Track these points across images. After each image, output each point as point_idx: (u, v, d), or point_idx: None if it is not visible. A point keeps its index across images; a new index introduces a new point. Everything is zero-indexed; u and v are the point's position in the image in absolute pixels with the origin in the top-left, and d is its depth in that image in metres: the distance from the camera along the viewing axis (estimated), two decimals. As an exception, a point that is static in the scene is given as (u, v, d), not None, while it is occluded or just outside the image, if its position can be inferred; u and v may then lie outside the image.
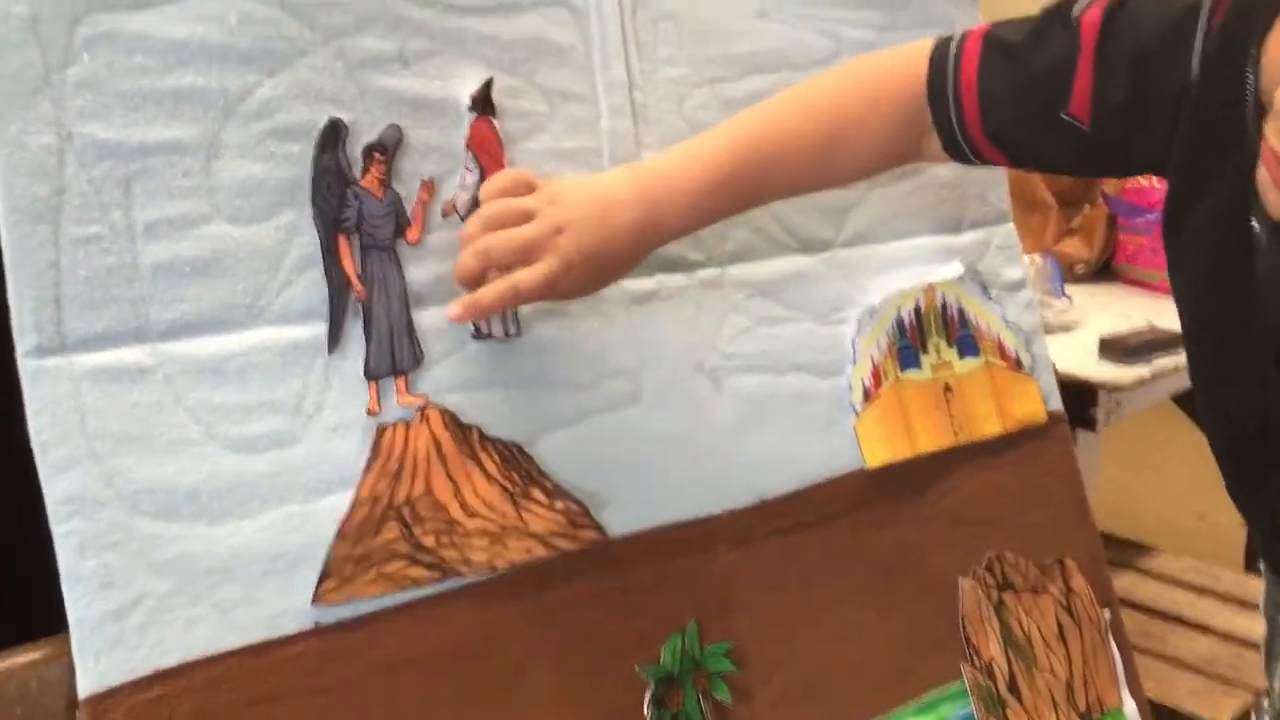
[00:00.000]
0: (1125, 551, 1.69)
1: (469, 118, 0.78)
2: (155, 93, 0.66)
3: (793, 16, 0.97)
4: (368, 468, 0.72)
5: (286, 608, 0.69)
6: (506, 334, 0.79)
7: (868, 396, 0.97)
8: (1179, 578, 1.62)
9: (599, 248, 0.74)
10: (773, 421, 0.92)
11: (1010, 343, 1.06)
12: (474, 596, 0.76)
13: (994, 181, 1.09)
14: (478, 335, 0.78)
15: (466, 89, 0.78)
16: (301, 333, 0.71)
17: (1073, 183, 1.96)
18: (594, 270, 0.75)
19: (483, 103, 0.78)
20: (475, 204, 0.77)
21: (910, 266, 1.02)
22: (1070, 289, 1.76)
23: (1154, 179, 1.82)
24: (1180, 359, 1.50)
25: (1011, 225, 1.10)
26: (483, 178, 0.78)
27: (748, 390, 0.91)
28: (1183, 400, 2.06)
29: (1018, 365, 1.06)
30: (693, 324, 0.90)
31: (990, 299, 1.05)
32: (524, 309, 0.80)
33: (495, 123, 0.79)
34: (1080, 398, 1.46)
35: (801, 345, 0.95)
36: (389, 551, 0.72)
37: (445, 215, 0.77)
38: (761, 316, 0.93)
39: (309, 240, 0.71)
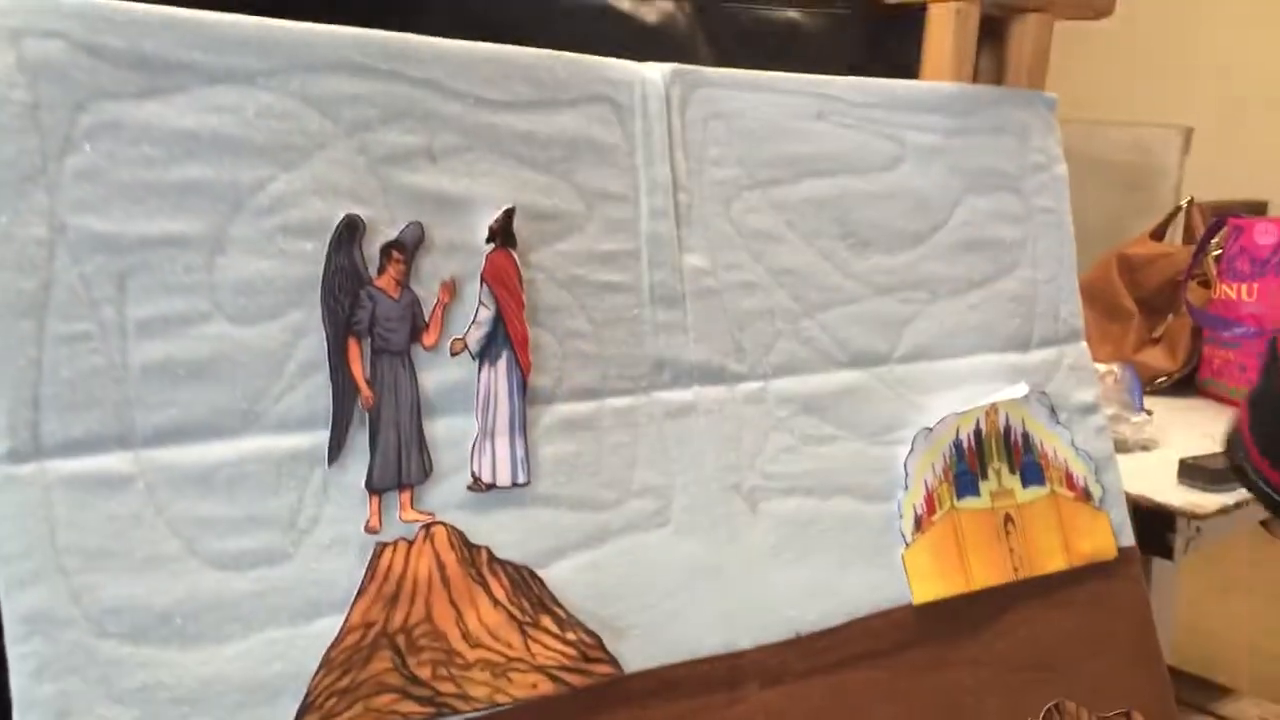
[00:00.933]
0: (1200, 693, 1.57)
1: (485, 249, 0.73)
2: (159, 185, 0.62)
3: (855, 120, 0.92)
4: (362, 590, 0.67)
5: (261, 744, 0.63)
6: (514, 482, 0.73)
7: (919, 525, 0.90)
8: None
9: None
10: (813, 549, 0.85)
11: (1079, 472, 0.98)
12: (471, 735, 0.70)
13: (1066, 295, 1.02)
14: (475, 485, 0.72)
15: (497, 187, 0.74)
16: (300, 441, 0.66)
17: (1156, 289, 1.87)
18: None
19: (502, 234, 0.73)
20: (488, 342, 0.72)
21: (972, 386, 0.95)
22: (1150, 402, 1.66)
23: (1243, 289, 1.73)
24: (1268, 487, 1.40)
25: (1085, 345, 1.03)
26: (499, 313, 0.73)
27: (787, 514, 0.85)
28: (1272, 524, 1.94)
29: (1086, 496, 0.98)
30: (731, 441, 0.84)
31: (1058, 423, 0.98)
32: (544, 417, 0.75)
33: (515, 256, 0.74)
34: (1157, 523, 1.36)
35: (849, 467, 0.88)
36: (378, 684, 0.66)
37: (455, 354, 0.72)
38: (807, 435, 0.87)
39: (316, 342, 0.67)
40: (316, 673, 0.65)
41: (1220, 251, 1.80)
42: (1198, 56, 4.52)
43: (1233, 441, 0.82)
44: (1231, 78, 4.42)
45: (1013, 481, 0.95)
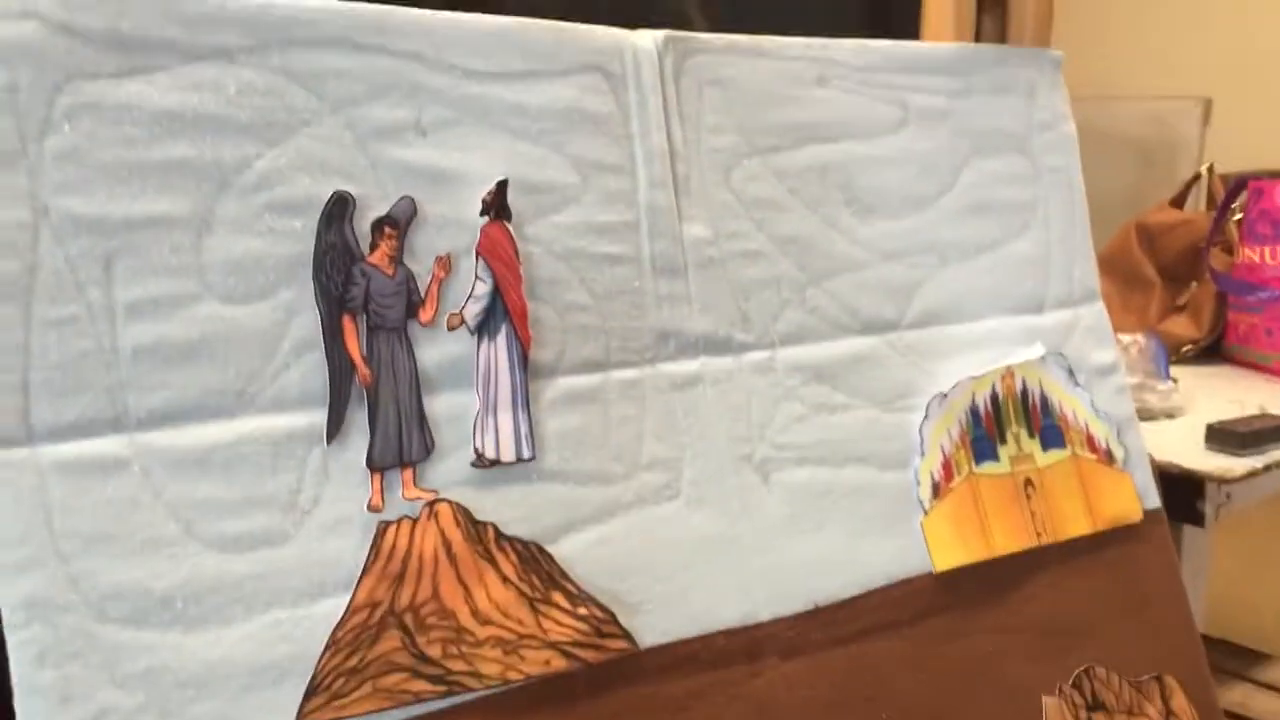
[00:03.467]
0: (1237, 660, 1.54)
1: (479, 222, 0.72)
2: (142, 165, 0.62)
3: (856, 84, 0.91)
4: (367, 569, 0.66)
5: (269, 726, 0.62)
6: (519, 458, 0.72)
7: (937, 492, 0.88)
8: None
9: None
10: (828, 519, 0.84)
11: (1100, 433, 0.96)
12: (484, 713, 0.68)
13: (1080, 256, 1.00)
14: (479, 462, 0.71)
15: (489, 160, 0.73)
16: (297, 421, 0.66)
17: (1178, 257, 1.84)
18: None
19: (496, 207, 0.72)
20: (486, 316, 0.71)
21: (986, 350, 0.94)
22: (1176, 371, 1.63)
23: (1266, 252, 1.70)
24: (1299, 448, 1.37)
25: (1101, 305, 1.01)
26: (496, 287, 0.72)
27: (801, 484, 0.83)
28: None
29: (1109, 458, 0.96)
30: (740, 411, 0.82)
31: (1077, 385, 0.96)
32: (548, 391, 0.74)
33: (510, 229, 0.73)
34: (1186, 490, 1.33)
35: (862, 435, 0.87)
36: (387, 663, 0.65)
37: (452, 328, 0.71)
38: (818, 404, 0.85)
39: (309, 321, 0.66)
40: (323, 653, 0.64)
41: (1241, 216, 1.77)
42: (1215, 26, 4.47)
43: None
44: (1251, 46, 4.37)
45: (1032, 445, 0.93)
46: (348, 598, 0.65)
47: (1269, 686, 1.45)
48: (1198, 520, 1.35)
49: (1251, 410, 1.49)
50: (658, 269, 0.80)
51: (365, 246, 0.68)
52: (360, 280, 0.68)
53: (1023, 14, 1.02)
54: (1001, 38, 1.03)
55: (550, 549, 0.72)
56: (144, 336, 0.62)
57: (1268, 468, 1.35)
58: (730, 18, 0.90)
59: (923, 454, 0.89)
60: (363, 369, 0.68)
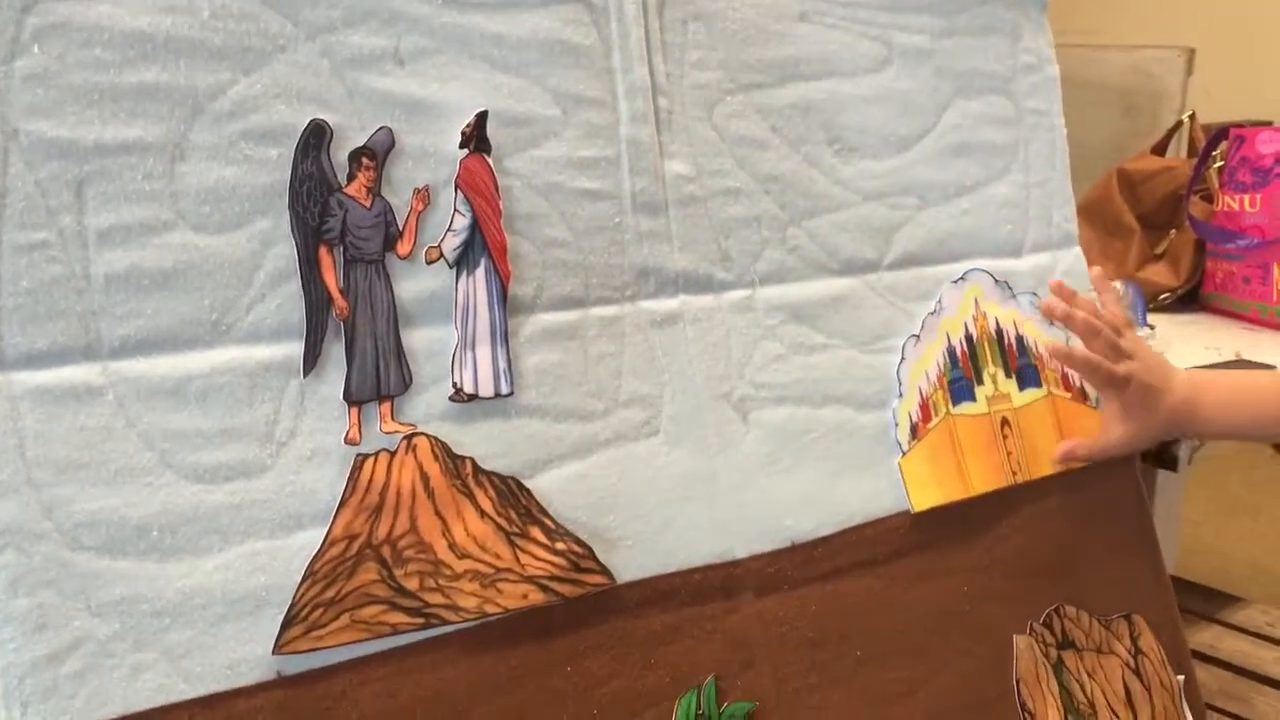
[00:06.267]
0: (1209, 602, 1.56)
1: (459, 155, 0.71)
2: (114, 89, 0.61)
3: (839, 20, 0.90)
4: (344, 502, 0.66)
5: (246, 656, 0.62)
6: (497, 393, 0.72)
7: (915, 433, 0.89)
8: (1268, 633, 1.49)
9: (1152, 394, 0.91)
10: (806, 458, 0.84)
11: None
12: (461, 646, 0.69)
13: (1060, 201, 1.00)
14: (457, 396, 0.70)
15: (469, 91, 0.72)
16: (274, 353, 0.65)
17: (1158, 205, 1.84)
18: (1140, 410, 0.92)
19: (476, 139, 0.71)
20: (465, 249, 0.71)
21: (963, 291, 0.94)
22: (1154, 318, 1.65)
23: (1245, 200, 1.70)
24: (1272, 395, 1.38)
25: (1079, 249, 1.01)
26: (475, 221, 0.71)
27: (779, 423, 0.84)
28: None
29: (1083, 396, 0.96)
30: (720, 350, 0.82)
31: (1053, 325, 0.96)
32: (526, 327, 0.74)
33: (489, 161, 0.72)
34: (1161, 435, 1.35)
35: (841, 375, 0.87)
36: (365, 595, 0.66)
37: (430, 261, 0.70)
38: (797, 343, 0.85)
39: (286, 251, 0.65)
40: (300, 584, 0.64)
41: (1222, 164, 1.77)
42: (1198, -25, 4.44)
43: None
44: (1234, -2, 4.35)
45: (1009, 385, 0.93)
46: (325, 529, 0.65)
47: (1238, 628, 1.47)
48: (1171, 465, 1.36)
49: (1228, 357, 1.50)
50: (638, 205, 0.79)
51: (342, 177, 0.68)
52: (337, 211, 0.67)
53: (1009, -46, 1.01)
54: (987, -22, 1.01)
55: (528, 484, 0.73)
56: (117, 264, 0.61)
57: (1241, 414, 1.36)
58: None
59: (901, 395, 0.89)
60: (339, 301, 0.67)
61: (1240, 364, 1.45)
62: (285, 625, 0.63)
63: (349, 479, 0.66)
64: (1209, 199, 1.80)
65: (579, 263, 0.77)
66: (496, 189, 0.73)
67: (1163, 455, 1.37)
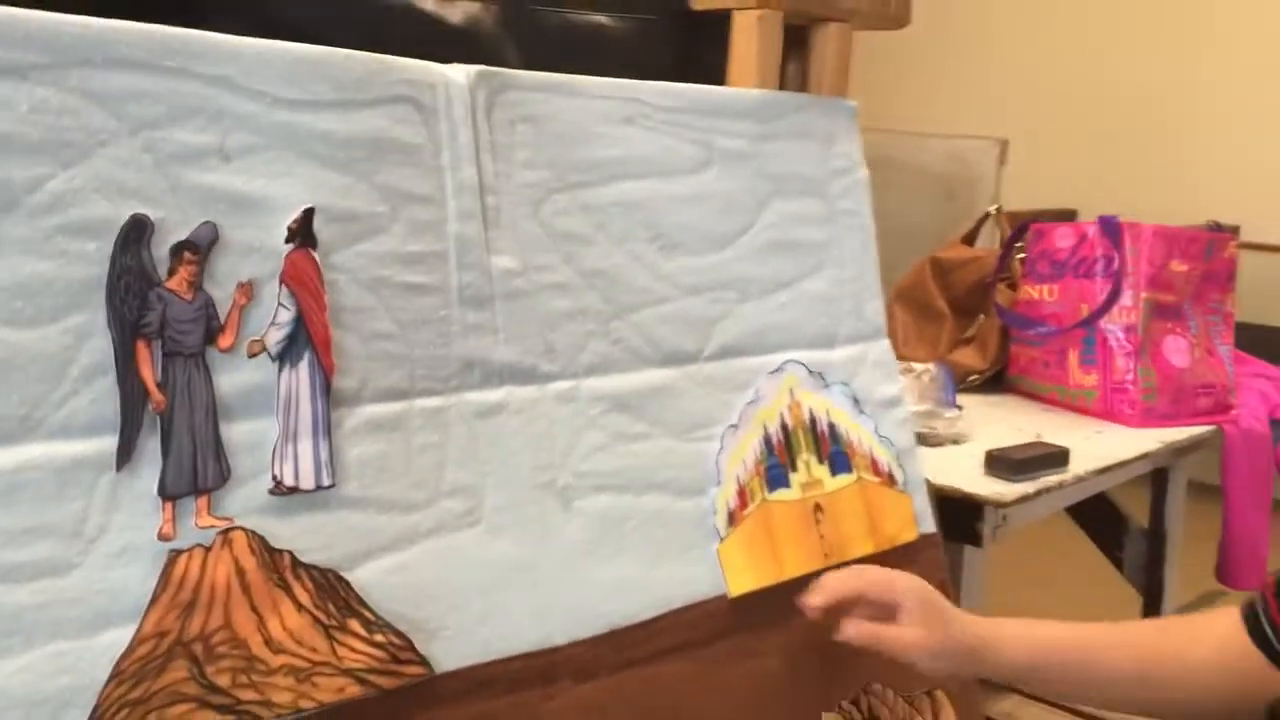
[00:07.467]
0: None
1: (284, 249, 0.72)
2: (-77, 182, 0.60)
3: (662, 123, 0.94)
4: (155, 599, 0.65)
5: (46, 761, 0.61)
6: (318, 485, 0.73)
7: (732, 519, 0.93)
8: (1062, 701, 1.58)
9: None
10: (626, 545, 0.87)
11: (884, 458, 1.02)
12: (274, 742, 0.68)
13: (870, 295, 1.07)
14: (278, 489, 0.71)
15: (295, 187, 0.73)
16: (86, 448, 0.64)
17: (967, 292, 1.96)
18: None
19: (301, 234, 0.73)
20: (289, 343, 0.71)
21: (779, 382, 0.99)
22: (963, 399, 1.74)
23: (1045, 290, 1.83)
24: (1065, 475, 1.49)
25: (887, 341, 1.08)
26: (299, 315, 0.72)
27: (600, 511, 0.86)
28: (1078, 513, 2.05)
29: (891, 482, 1.02)
30: (544, 440, 0.84)
31: (863, 414, 1.02)
32: (350, 419, 0.75)
33: (316, 256, 0.73)
34: (967, 513, 1.43)
35: (660, 464, 0.90)
36: (173, 694, 0.65)
37: (252, 355, 0.70)
38: (619, 432, 0.88)
39: (101, 346, 0.65)
40: (106, 684, 0.63)
41: (1024, 255, 1.90)
42: (1014, 71, 4.75)
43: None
44: (1045, 92, 4.67)
45: (821, 471, 0.98)
46: (134, 628, 0.64)
47: (1036, 698, 1.56)
48: (976, 541, 1.45)
49: (1029, 437, 1.60)
50: (465, 299, 0.81)
51: (164, 271, 0.68)
52: (156, 305, 0.67)
53: (823, 61, 1.08)
54: (804, 85, 1.08)
55: (348, 576, 0.73)
56: (-80, 359, 0.59)
57: (1039, 493, 1.45)
58: (542, 56, 0.93)
59: (719, 483, 0.93)
60: (156, 395, 0.67)
61: (1037, 445, 1.55)
62: (88, 728, 0.62)
63: (161, 575, 0.66)
64: (1013, 287, 1.93)
65: (404, 355, 0.78)
66: (322, 283, 0.74)
67: (969, 533, 1.45)
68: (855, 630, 0.87)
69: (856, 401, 1.01)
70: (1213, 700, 0.84)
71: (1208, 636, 0.85)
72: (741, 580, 0.92)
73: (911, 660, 0.87)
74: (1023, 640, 0.88)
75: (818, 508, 0.98)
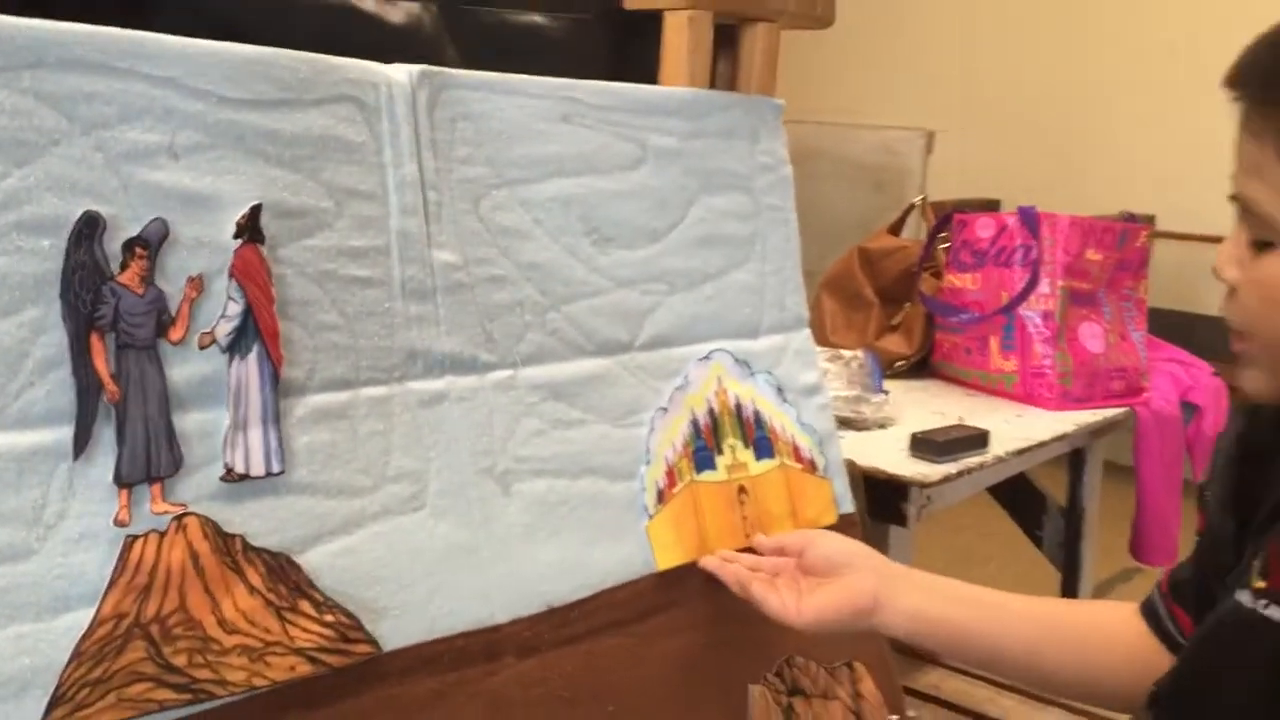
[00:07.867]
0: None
1: (233, 245, 0.75)
2: (-118, 183, 0.62)
3: (598, 122, 0.98)
4: (113, 582, 0.68)
5: (8, 738, 0.64)
6: (268, 472, 0.76)
7: (661, 498, 0.97)
8: (985, 675, 1.65)
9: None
10: (564, 527, 0.91)
11: (805, 445, 1.07)
12: (228, 719, 0.71)
13: (792, 287, 1.11)
14: (229, 476, 0.74)
15: (243, 185, 0.76)
16: (43, 437, 0.67)
17: (894, 280, 2.02)
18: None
19: (249, 230, 0.75)
20: (238, 335, 0.74)
21: (707, 369, 1.03)
22: (890, 384, 1.80)
23: (967, 279, 1.90)
24: (986, 456, 1.55)
25: (808, 331, 1.12)
26: (248, 308, 0.75)
27: (538, 495, 0.90)
28: (999, 493, 2.13)
29: (812, 467, 1.07)
30: (484, 427, 0.88)
31: (786, 402, 1.07)
32: (298, 408, 0.78)
33: (263, 251, 0.76)
34: (892, 494, 1.49)
35: (595, 449, 0.94)
36: (132, 673, 0.68)
37: (203, 347, 0.73)
38: (555, 419, 0.92)
39: (56, 339, 0.67)
40: (67, 665, 0.66)
41: (948, 245, 1.97)
42: (940, 63, 4.85)
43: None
44: (971, 84, 4.77)
45: (746, 455, 1.03)
46: (93, 610, 0.67)
47: (960, 671, 1.63)
48: (902, 521, 1.51)
49: (952, 421, 1.67)
50: (408, 292, 0.84)
51: (116, 266, 0.70)
52: (109, 299, 0.70)
53: (751, 60, 1.12)
54: (733, 83, 1.12)
55: (298, 559, 0.76)
56: (-120, 354, 0.62)
57: (961, 473, 1.52)
58: (481, 55, 0.96)
59: (649, 462, 0.97)
60: (110, 386, 0.69)
61: (960, 428, 1.61)
62: (51, 706, 0.65)
63: (118, 559, 0.68)
64: (937, 275, 2.00)
65: (350, 346, 0.81)
66: (269, 277, 0.77)
67: (895, 513, 1.51)
68: (734, 577, 0.94)
69: (780, 390, 1.06)
70: (1107, 678, 0.90)
71: (1107, 624, 0.91)
72: (669, 555, 0.96)
73: (788, 623, 0.90)
74: (906, 614, 0.90)
75: (742, 490, 1.02)
